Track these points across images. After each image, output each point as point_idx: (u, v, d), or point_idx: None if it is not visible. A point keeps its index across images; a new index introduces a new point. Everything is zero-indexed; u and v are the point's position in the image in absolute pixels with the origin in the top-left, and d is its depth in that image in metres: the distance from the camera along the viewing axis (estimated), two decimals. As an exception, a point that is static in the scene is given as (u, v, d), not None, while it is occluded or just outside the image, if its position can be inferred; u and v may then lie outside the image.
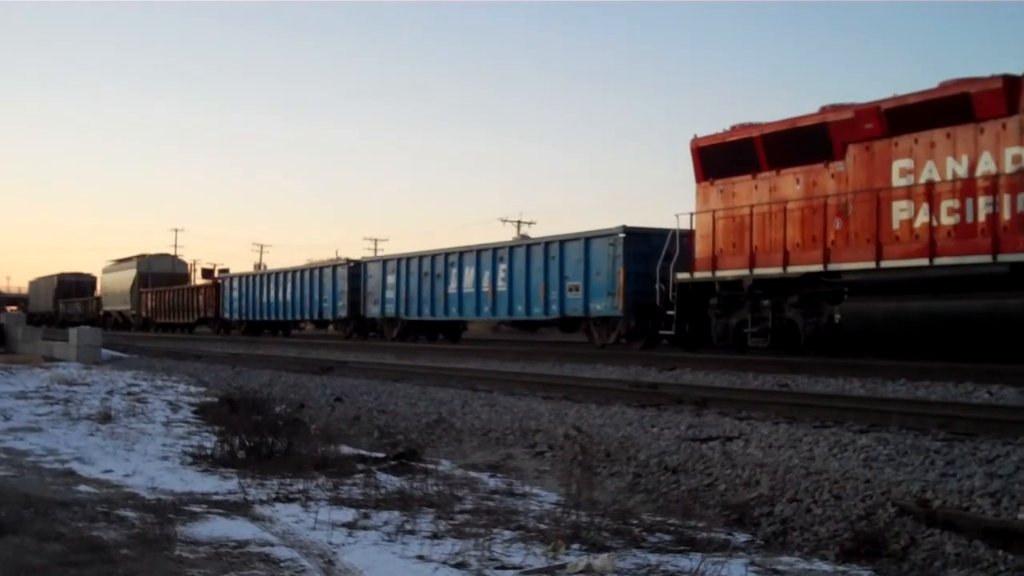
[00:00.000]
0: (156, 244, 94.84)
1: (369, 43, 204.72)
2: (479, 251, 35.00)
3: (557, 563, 5.39)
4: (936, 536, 6.11)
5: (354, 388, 17.20)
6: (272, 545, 5.71)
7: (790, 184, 22.09)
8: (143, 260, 71.99)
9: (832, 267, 20.80)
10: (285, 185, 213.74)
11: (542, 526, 6.29)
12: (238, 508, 6.84)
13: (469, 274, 34.83)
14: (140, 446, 9.94)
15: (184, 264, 75.31)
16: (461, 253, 35.85)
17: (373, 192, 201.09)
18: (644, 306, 26.90)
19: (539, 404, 13.45)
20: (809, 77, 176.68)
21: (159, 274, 69.95)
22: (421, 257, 38.27)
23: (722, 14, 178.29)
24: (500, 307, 33.60)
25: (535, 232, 66.77)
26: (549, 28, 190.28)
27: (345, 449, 9.72)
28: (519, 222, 78.51)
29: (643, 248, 27.39)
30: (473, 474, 8.81)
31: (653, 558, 5.59)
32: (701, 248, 24.24)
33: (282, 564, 5.28)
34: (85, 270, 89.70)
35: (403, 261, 39.32)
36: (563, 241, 30.65)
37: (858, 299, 20.18)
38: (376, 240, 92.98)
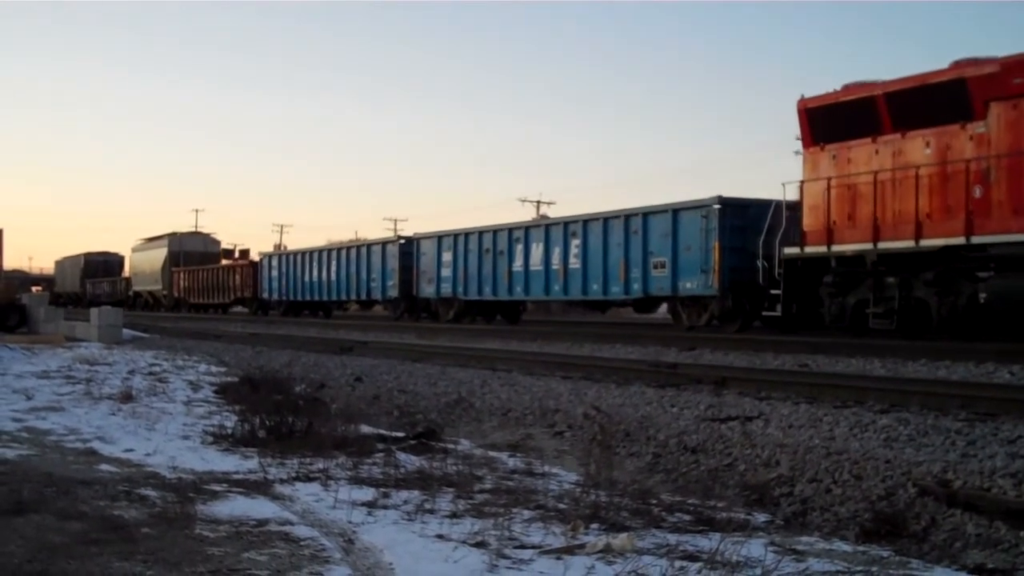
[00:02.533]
0: (176, 225, 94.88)
1: (388, 27, 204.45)
2: (548, 225, 32.67)
3: (576, 543, 5.39)
4: (957, 517, 6.09)
5: (374, 368, 17.23)
6: (292, 524, 5.72)
7: (918, 148, 19.62)
8: (174, 238, 69.74)
9: (976, 239, 18.34)
10: (305, 166, 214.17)
11: (561, 506, 6.29)
12: (258, 487, 6.87)
13: (537, 250, 32.26)
14: (161, 425, 9.99)
15: (217, 242, 72.73)
16: (527, 228, 33.58)
17: (392, 173, 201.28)
18: (740, 284, 24.67)
19: (558, 384, 13.44)
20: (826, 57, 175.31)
21: (191, 252, 67.17)
22: (482, 232, 35.66)
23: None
24: (573, 286, 30.80)
25: (554, 212, 66.45)
26: (565, 9, 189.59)
27: (365, 428, 9.75)
28: (538, 202, 78.38)
29: (739, 221, 25.19)
30: (492, 454, 8.81)
31: (672, 538, 5.58)
32: (811, 220, 21.79)
33: (302, 543, 5.29)
34: (107, 250, 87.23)
35: (461, 237, 36.66)
36: (647, 213, 27.89)
37: (1008, 275, 17.83)
38: (396, 220, 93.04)
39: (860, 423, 9.01)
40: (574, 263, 30.48)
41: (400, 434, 9.73)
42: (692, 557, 5.09)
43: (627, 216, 28.53)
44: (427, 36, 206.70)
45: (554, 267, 31.41)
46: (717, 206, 25.41)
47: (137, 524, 5.59)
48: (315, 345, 23.91)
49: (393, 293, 41.23)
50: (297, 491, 6.76)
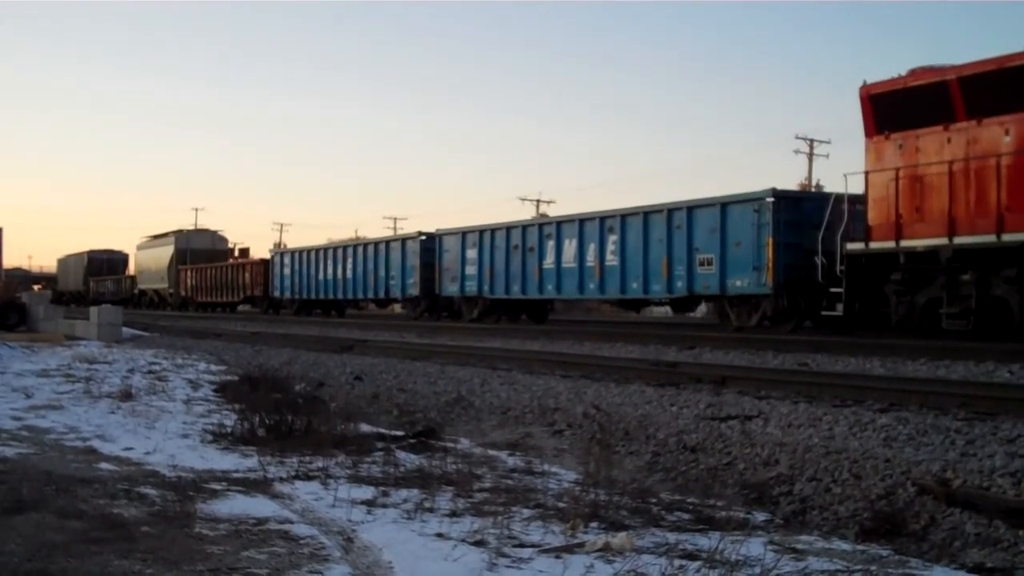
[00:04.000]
0: (176, 224, 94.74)
1: (388, 26, 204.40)
2: (583, 220, 30.86)
3: (576, 541, 5.39)
4: (956, 516, 6.09)
5: (373, 367, 17.23)
6: (292, 522, 5.72)
7: (996, 135, 18.42)
8: (181, 235, 68.78)
9: None
10: (304, 165, 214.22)
11: (561, 504, 6.29)
12: (258, 486, 6.87)
13: (570, 247, 30.89)
14: (161, 424, 9.98)
15: (224, 240, 71.49)
16: (560, 223, 32.07)
17: (392, 172, 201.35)
18: (795, 282, 23.51)
19: (558, 383, 13.45)
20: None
21: (198, 250, 66.31)
22: (510, 228, 34.38)
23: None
24: (610, 284, 29.40)
25: (553, 211, 66.33)
26: (564, 8, 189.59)
27: (364, 427, 9.75)
28: (538, 201, 78.42)
29: (793, 215, 24.04)
30: (492, 452, 8.81)
31: (672, 537, 5.58)
32: (876, 214, 20.44)
33: (301, 541, 5.29)
34: (111, 248, 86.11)
35: (487, 233, 35.25)
36: (692, 207, 26.55)
37: None
38: (395, 219, 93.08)
39: (860, 422, 9.01)
40: (611, 260, 29.17)
41: (399, 433, 9.73)
42: (691, 556, 5.08)
43: (670, 210, 27.12)
44: (426, 35, 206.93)
45: (589, 264, 30.09)
46: (771, 199, 24.13)
47: (137, 522, 5.59)
48: (315, 344, 23.91)
49: (413, 291, 39.82)
50: (296, 489, 6.76)
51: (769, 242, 23.86)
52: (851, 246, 20.79)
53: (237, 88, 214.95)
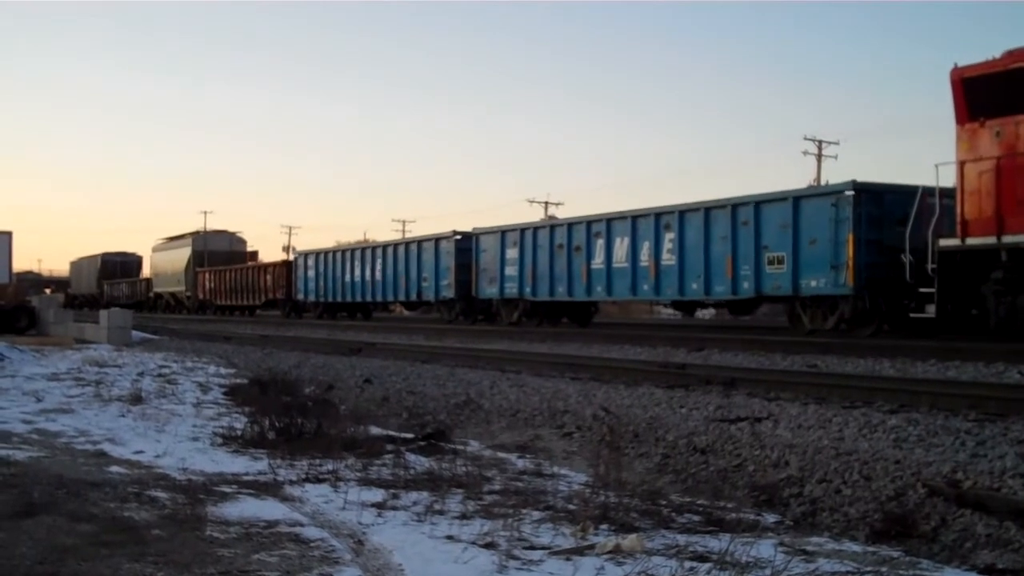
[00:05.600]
0: (185, 227, 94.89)
1: (397, 28, 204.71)
2: (635, 217, 28.58)
3: (586, 543, 5.39)
4: (966, 517, 6.08)
5: (383, 369, 17.24)
6: (302, 525, 5.73)
7: None
8: (198, 237, 67.68)
9: None
10: (313, 168, 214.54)
11: (571, 507, 6.29)
12: (268, 488, 6.88)
13: (621, 245, 28.79)
14: (171, 427, 10.01)
15: (243, 242, 70.22)
16: (609, 220, 29.67)
17: (400, 175, 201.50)
18: (877, 282, 21.69)
19: (567, 385, 13.44)
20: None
21: (216, 252, 64.98)
22: (553, 226, 32.44)
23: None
24: (666, 284, 27.38)
25: (562, 213, 66.18)
26: (572, 9, 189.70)
27: (374, 430, 9.77)
28: (546, 203, 78.30)
29: (874, 209, 22.17)
30: (501, 455, 8.82)
31: (682, 539, 5.58)
32: (973, 207, 18.57)
33: (312, 544, 5.30)
34: (125, 250, 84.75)
35: (529, 232, 33.10)
36: (760, 202, 24.67)
37: None
38: (404, 221, 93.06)
39: (869, 423, 9.00)
40: (668, 259, 27.16)
41: (409, 435, 9.74)
42: (702, 558, 5.08)
43: (735, 205, 25.27)
44: (435, 38, 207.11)
45: (643, 263, 28.07)
46: (851, 192, 22.21)
47: (147, 526, 5.60)
48: (324, 347, 23.94)
49: (448, 293, 37.62)
50: (307, 492, 6.77)
51: (849, 239, 22.05)
52: (945, 243, 19.02)
53: (246, 91, 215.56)
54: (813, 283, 23.03)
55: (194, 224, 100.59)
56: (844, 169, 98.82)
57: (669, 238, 27.14)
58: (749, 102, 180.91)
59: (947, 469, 6.90)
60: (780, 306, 28.36)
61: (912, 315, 20.09)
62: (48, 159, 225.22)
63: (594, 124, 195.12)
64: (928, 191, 19.92)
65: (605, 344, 22.42)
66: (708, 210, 26.02)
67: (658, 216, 27.72)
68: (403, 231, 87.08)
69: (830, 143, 62.69)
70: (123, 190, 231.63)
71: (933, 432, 8.44)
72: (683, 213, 26.87)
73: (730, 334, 23.78)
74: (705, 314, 38.63)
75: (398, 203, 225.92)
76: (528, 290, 32.75)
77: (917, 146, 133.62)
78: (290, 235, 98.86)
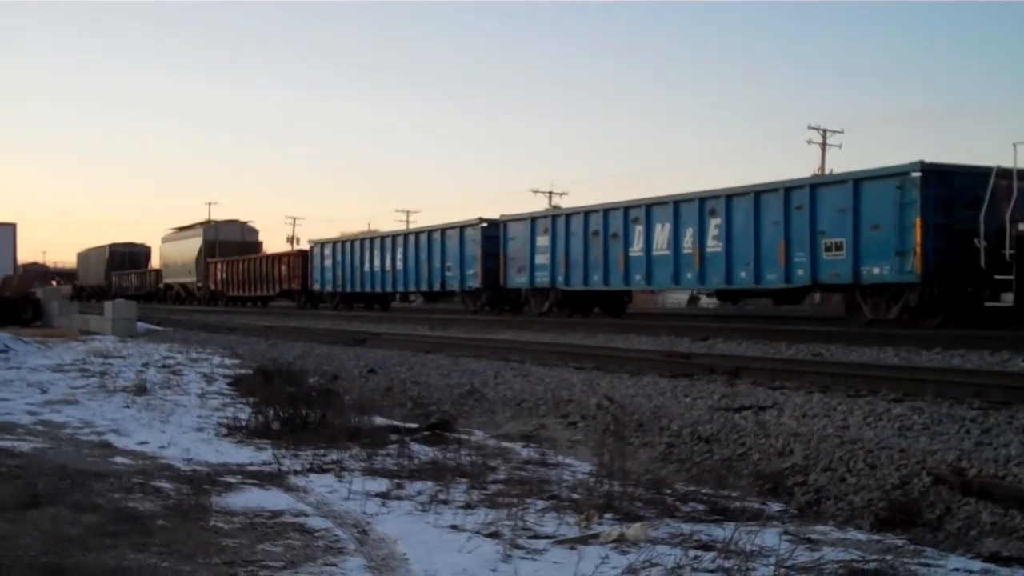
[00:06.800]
0: (190, 219, 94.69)
1: (401, 19, 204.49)
2: (677, 202, 27.24)
3: (590, 532, 5.39)
4: (972, 505, 6.07)
5: (387, 359, 17.24)
6: (306, 515, 5.73)
7: None
8: (209, 227, 66.42)
9: None
10: (317, 159, 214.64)
11: (575, 496, 6.29)
12: (272, 479, 6.88)
13: (662, 232, 27.50)
14: (175, 418, 10.01)
15: (255, 231, 68.82)
16: (649, 206, 28.25)
17: (404, 166, 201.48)
18: (946, 269, 20.53)
19: (571, 374, 13.44)
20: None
21: (227, 242, 63.20)
22: (588, 212, 30.76)
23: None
24: (711, 273, 26.07)
25: (566, 203, 66.01)
26: (572, 3, 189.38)
27: (378, 420, 9.75)
28: (550, 193, 78.26)
29: (943, 192, 20.98)
30: (506, 444, 8.82)
31: (686, 527, 5.58)
32: None
33: (316, 534, 5.30)
34: (133, 241, 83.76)
35: (561, 219, 31.96)
36: (815, 185, 23.65)
37: None
38: (408, 212, 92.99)
39: (874, 412, 8.99)
40: (714, 246, 25.84)
41: (413, 425, 9.73)
42: (706, 546, 5.08)
43: (787, 189, 24.04)
44: (440, 28, 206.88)
45: (686, 251, 26.72)
46: (918, 174, 20.87)
47: (152, 516, 5.61)
48: (328, 337, 23.93)
49: (474, 283, 36.07)
50: (311, 482, 6.77)
51: (917, 223, 20.72)
52: None
53: (250, 83, 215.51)
54: (876, 270, 21.80)
55: (199, 215, 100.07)
56: (849, 158, 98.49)
57: (715, 224, 25.82)
58: (753, 91, 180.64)
59: (952, 457, 6.89)
60: (814, 297, 27.01)
61: (987, 304, 19.36)
62: (53, 152, 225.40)
63: (597, 114, 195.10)
64: (1002, 172, 19.11)
65: (609, 333, 22.38)
66: (758, 194, 24.76)
67: (702, 201, 26.36)
68: (407, 222, 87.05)
69: (835, 132, 62.49)
70: (128, 182, 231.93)
71: (938, 420, 8.43)
72: (730, 198, 25.59)
73: (735, 323, 23.74)
74: (709, 303, 38.25)
75: (402, 194, 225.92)
76: (560, 279, 31.54)
77: (923, 135, 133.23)
78: (294, 226, 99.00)
